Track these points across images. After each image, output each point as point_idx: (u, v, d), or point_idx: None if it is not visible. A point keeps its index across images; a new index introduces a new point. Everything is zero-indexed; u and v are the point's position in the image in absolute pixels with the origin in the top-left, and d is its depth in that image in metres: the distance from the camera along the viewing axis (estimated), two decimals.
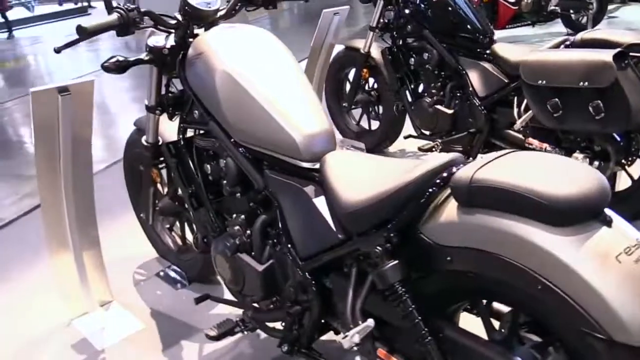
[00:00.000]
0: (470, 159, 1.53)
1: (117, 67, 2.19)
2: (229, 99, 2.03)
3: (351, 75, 4.37)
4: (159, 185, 2.89)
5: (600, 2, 8.02)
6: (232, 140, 2.09)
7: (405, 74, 3.93)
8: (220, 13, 2.32)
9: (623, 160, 3.00)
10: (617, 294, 1.21)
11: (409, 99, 3.93)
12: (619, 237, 1.29)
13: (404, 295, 1.57)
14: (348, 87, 4.43)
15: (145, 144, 2.62)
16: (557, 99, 2.83)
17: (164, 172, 2.81)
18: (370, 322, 1.63)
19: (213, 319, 2.66)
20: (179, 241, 3.12)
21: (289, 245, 1.96)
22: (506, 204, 1.36)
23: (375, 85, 4.32)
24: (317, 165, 1.90)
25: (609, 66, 2.61)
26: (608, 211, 1.33)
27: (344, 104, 4.48)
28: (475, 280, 1.48)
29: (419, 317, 1.55)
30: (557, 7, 7.79)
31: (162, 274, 3.14)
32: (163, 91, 2.44)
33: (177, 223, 3.08)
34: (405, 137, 4.06)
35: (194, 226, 2.73)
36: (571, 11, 8.00)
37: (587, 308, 1.23)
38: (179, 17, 2.24)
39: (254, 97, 1.98)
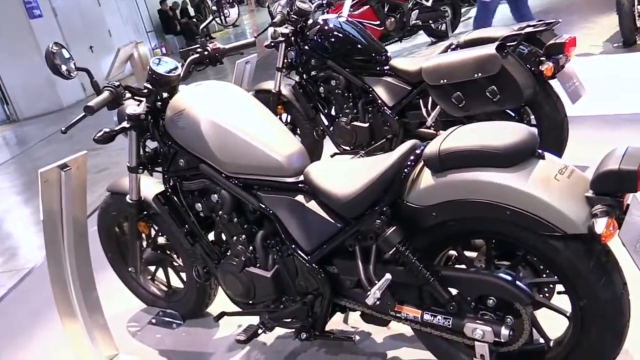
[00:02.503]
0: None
1: (106, 138, 2.52)
2: (217, 141, 2.43)
3: None
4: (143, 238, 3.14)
5: (453, 9, 8.88)
6: (224, 175, 2.48)
7: (318, 102, 4.44)
8: None
9: None
10: (562, 200, 1.75)
11: (326, 122, 4.44)
12: (552, 165, 1.84)
13: (406, 252, 2.04)
14: None
15: (129, 201, 2.89)
16: (459, 92, 3.42)
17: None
18: (388, 275, 2.08)
19: (218, 343, 3.02)
20: (164, 287, 3.39)
21: (294, 246, 2.37)
22: (469, 161, 1.87)
23: (289, 118, 4.76)
24: (301, 178, 2.34)
25: (495, 57, 3.21)
26: (539, 150, 1.87)
27: None
28: (456, 225, 1.98)
29: (421, 265, 2.03)
30: (417, 21, 8.56)
31: (154, 320, 3.35)
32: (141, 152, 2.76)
33: (158, 272, 3.34)
34: (332, 156, 4.55)
35: (186, 263, 3.00)
36: (430, 22, 8.81)
37: (544, 217, 1.76)
38: (149, 86, 2.58)
39: (238, 134, 2.41)
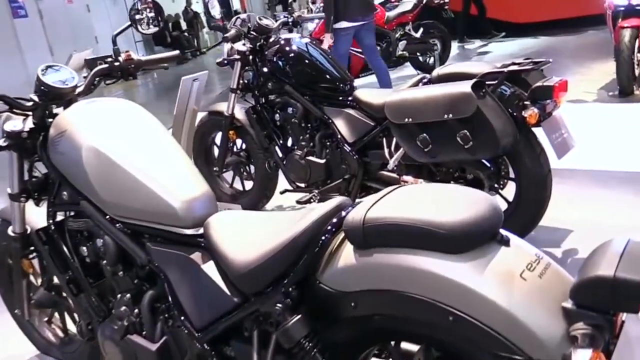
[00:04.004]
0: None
1: None
2: (99, 174, 1.95)
3: (218, 139, 4.31)
4: (32, 277, 2.70)
5: (443, 43, 8.44)
6: (108, 217, 1.99)
7: (272, 131, 3.90)
8: (78, 90, 2.26)
9: (496, 185, 3.10)
10: (529, 312, 1.20)
11: (280, 154, 3.90)
12: (519, 255, 1.30)
13: (313, 350, 1.50)
14: (217, 151, 4.36)
15: (12, 234, 2.45)
16: (425, 134, 2.90)
17: (35, 261, 2.63)
18: None
19: None
20: (60, 333, 2.91)
21: (182, 318, 1.85)
22: (403, 239, 1.34)
23: (244, 146, 4.25)
24: (201, 230, 1.83)
25: (469, 96, 2.70)
26: (503, 231, 1.33)
27: (214, 169, 4.37)
28: (383, 322, 1.44)
29: None
30: (404, 52, 8.13)
31: None
32: (26, 177, 2.32)
33: (56, 314, 2.87)
34: (282, 192, 4.01)
35: (76, 314, 2.56)
36: (418, 54, 8.37)
37: (502, 331, 1.21)
38: (35, 98, 2.16)
39: (125, 168, 1.91)
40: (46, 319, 2.94)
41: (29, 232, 2.44)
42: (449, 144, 2.85)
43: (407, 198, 1.44)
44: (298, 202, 3.68)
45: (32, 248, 2.51)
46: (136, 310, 2.02)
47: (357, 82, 7.88)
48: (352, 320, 1.47)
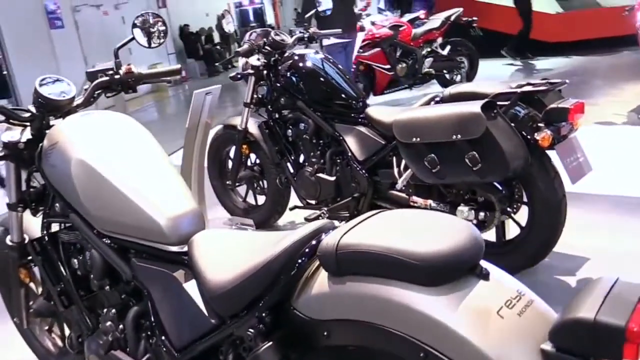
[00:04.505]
0: (341, 223, 1.48)
1: None
2: (86, 187, 1.92)
3: (232, 153, 4.27)
4: (32, 285, 2.68)
5: (470, 60, 8.31)
6: (95, 230, 1.97)
7: (284, 146, 3.85)
8: (77, 102, 2.25)
9: (508, 209, 2.99)
10: (504, 353, 1.11)
11: (291, 170, 3.85)
12: (498, 290, 1.21)
13: None
14: (231, 165, 4.32)
15: (10, 243, 2.43)
16: (433, 155, 2.81)
17: (36, 270, 2.60)
18: None
19: None
20: (60, 343, 2.87)
21: (163, 337, 1.81)
22: (376, 268, 1.26)
23: (257, 160, 4.21)
24: (186, 248, 1.78)
25: (479, 117, 2.61)
26: (484, 263, 1.25)
27: (228, 182, 4.34)
28: (357, 354, 1.37)
29: None
30: (431, 69, 8.02)
31: None
32: (24, 187, 2.31)
33: (56, 323, 2.85)
34: (291, 209, 3.96)
35: (70, 325, 2.51)
36: (445, 71, 8.26)
37: None
38: (33, 109, 2.17)
39: (113, 183, 1.88)
40: (47, 327, 2.91)
41: (26, 241, 2.42)
42: (458, 166, 2.76)
43: (385, 224, 1.36)
44: (306, 219, 3.60)
45: (29, 258, 2.47)
46: (121, 326, 1.99)
47: (381, 98, 7.88)
48: (324, 349, 1.41)
